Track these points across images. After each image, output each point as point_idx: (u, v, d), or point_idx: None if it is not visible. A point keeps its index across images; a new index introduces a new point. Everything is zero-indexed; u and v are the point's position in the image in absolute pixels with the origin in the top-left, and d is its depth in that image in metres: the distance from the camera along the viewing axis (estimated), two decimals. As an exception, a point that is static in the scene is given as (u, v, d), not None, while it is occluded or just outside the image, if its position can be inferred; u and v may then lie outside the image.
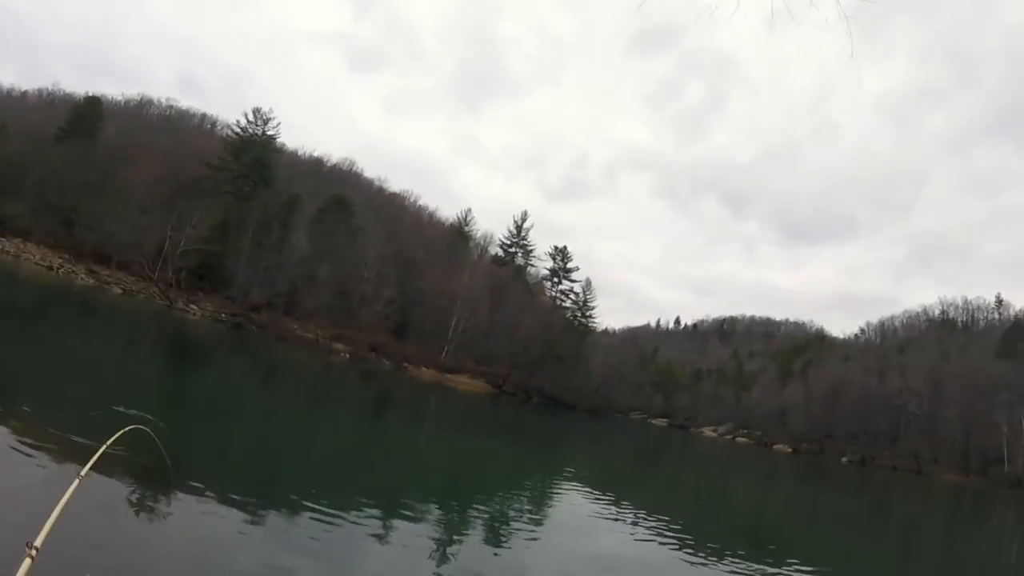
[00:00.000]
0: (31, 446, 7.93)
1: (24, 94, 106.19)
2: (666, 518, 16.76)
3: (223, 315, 63.14)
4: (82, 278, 58.68)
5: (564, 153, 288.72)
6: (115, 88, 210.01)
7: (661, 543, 13.03)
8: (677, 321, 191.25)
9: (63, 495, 3.22)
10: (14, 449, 7.71)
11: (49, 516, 2.93)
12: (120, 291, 58.83)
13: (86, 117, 75.34)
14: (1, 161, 64.37)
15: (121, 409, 12.22)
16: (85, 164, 65.12)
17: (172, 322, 49.87)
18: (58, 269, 58.46)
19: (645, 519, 15.85)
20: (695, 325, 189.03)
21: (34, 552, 2.56)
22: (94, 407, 11.73)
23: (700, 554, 12.40)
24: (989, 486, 66.71)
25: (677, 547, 12.84)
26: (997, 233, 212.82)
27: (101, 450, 4.29)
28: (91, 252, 62.18)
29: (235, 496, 8.36)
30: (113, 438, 4.72)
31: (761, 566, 12.04)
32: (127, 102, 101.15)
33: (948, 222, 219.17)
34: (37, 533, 2.73)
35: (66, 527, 3.06)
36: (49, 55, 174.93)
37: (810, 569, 12.82)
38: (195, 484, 8.34)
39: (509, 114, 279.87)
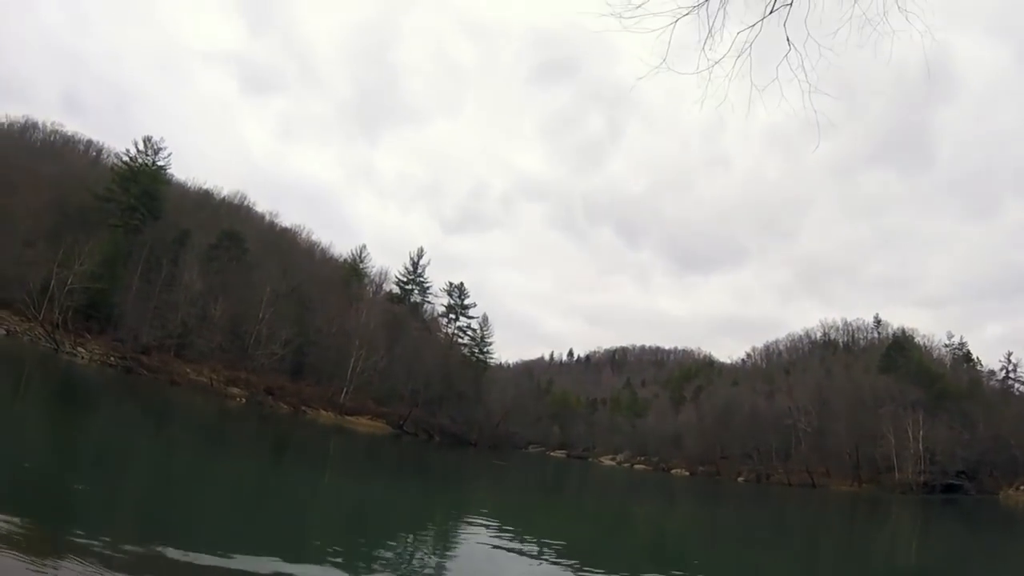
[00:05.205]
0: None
1: None
2: (569, 544, 17.40)
3: (112, 358, 60.09)
4: (-39, 320, 55.00)
5: (462, 183, 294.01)
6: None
7: (565, 569, 13.41)
8: (570, 353, 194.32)
9: None
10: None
11: None
12: (4, 332, 55.27)
13: (-35, 141, 70.70)
14: None
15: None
16: (-36, 192, 60.80)
17: (59, 367, 47.58)
18: (-66, 312, 54.25)
19: (549, 547, 16.23)
20: (588, 356, 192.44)
21: None
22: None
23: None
24: (882, 493, 70.41)
25: (581, 571, 13.25)
26: (878, 254, 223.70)
27: None
28: (-29, 291, 58.02)
29: (124, 553, 7.99)
30: None
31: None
32: (10, 125, 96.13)
33: (831, 245, 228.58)
34: None
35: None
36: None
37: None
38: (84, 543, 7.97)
39: (406, 143, 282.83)
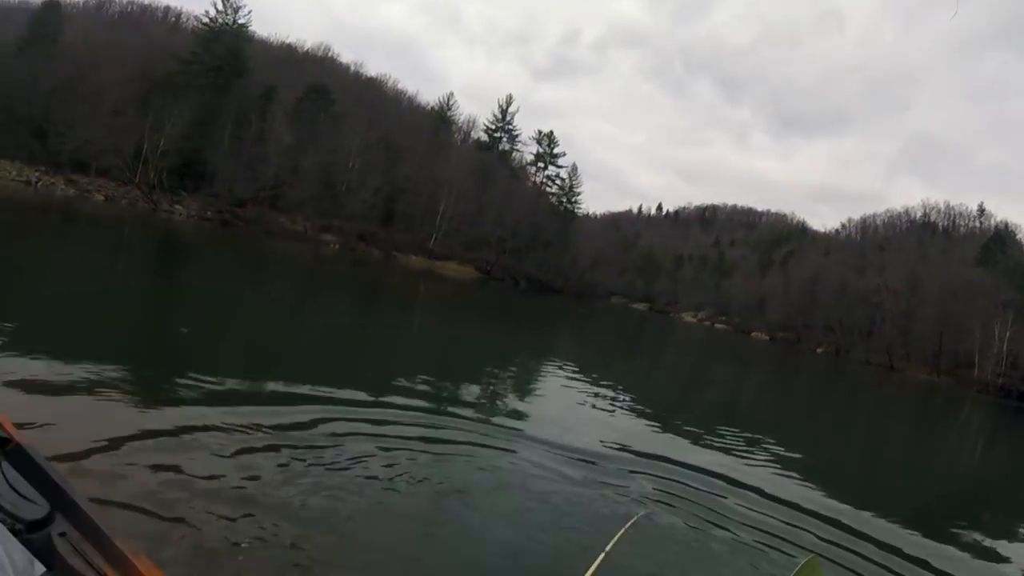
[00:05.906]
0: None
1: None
2: (643, 396, 17.27)
3: (209, 213, 62.64)
4: (62, 189, 57.50)
5: (553, 29, 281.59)
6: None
7: (637, 417, 13.39)
8: (659, 207, 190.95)
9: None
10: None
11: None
12: (103, 198, 57.83)
13: (46, 22, 70.94)
14: (-40, 80, 60.72)
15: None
16: (51, 71, 62.00)
17: (159, 225, 49.30)
18: (36, 183, 56.71)
19: (623, 397, 16.09)
20: (677, 212, 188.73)
21: None
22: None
23: (674, 428, 12.81)
24: (958, 388, 67.95)
25: (654, 424, 12.91)
26: (993, 142, 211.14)
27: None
28: (68, 161, 60.18)
29: (224, 388, 8.27)
30: None
31: (731, 444, 12.15)
32: (85, 2, 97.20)
33: (945, 125, 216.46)
34: None
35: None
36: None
37: (780, 451, 12.73)
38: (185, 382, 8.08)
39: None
